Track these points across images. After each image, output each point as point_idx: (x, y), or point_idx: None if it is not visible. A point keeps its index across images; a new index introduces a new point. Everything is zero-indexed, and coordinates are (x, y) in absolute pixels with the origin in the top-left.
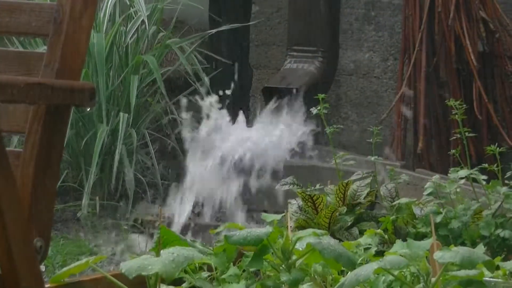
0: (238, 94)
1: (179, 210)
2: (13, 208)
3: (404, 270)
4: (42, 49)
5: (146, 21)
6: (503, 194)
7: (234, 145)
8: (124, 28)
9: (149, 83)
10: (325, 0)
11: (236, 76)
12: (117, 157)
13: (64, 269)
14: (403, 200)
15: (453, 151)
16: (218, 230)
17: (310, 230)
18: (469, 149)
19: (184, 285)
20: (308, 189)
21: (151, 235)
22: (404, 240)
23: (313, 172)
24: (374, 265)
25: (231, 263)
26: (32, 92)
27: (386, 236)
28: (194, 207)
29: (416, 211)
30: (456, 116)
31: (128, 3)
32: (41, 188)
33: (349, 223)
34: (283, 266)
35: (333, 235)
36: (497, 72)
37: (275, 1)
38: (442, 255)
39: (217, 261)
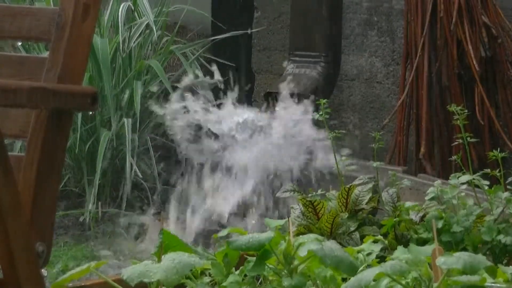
0: (240, 99)
1: (182, 215)
2: (15, 213)
3: (406, 276)
4: (46, 54)
5: (152, 25)
6: (505, 199)
7: (235, 149)
8: (128, 33)
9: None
10: (327, 5)
11: (237, 81)
12: (128, 163)
13: (66, 274)
14: (405, 203)
15: (455, 156)
16: (220, 234)
17: (311, 235)
18: (471, 154)
19: None
20: (310, 195)
21: (153, 240)
22: (406, 245)
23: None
24: (375, 270)
25: (233, 268)
26: (34, 96)
27: (386, 242)
28: (196, 212)
29: (412, 215)
30: (458, 121)
31: (132, 7)
32: (43, 193)
33: (352, 229)
34: (285, 271)
35: (334, 240)
36: (499, 77)
37: (277, 6)
38: (444, 261)
39: (216, 271)
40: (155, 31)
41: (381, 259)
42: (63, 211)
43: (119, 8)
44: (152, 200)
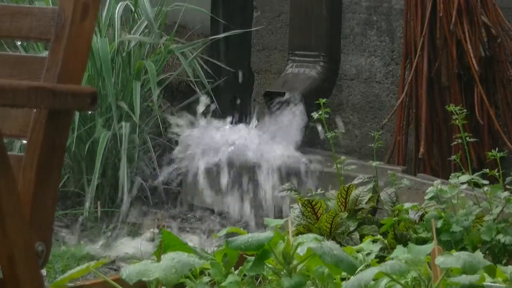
0: (239, 98)
1: (181, 214)
2: (14, 213)
3: (405, 275)
4: (45, 53)
5: (152, 22)
6: (504, 199)
7: (235, 150)
8: (127, 33)
9: (150, 88)
10: (327, 5)
11: (237, 81)
12: (123, 163)
13: (65, 274)
14: (406, 205)
15: (454, 156)
16: (219, 234)
17: (310, 235)
18: (470, 154)
19: None
20: (309, 194)
21: (153, 240)
22: (405, 245)
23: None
24: (375, 269)
25: (232, 268)
26: (34, 96)
27: (385, 242)
28: (195, 211)
29: (411, 215)
30: (457, 121)
31: (133, 8)
32: (43, 193)
33: (351, 228)
34: (284, 271)
35: (334, 240)
36: (498, 77)
37: (276, 6)
38: (444, 260)
39: (215, 271)
40: (155, 28)
41: (381, 258)
42: (63, 210)
43: (117, 7)
44: (152, 199)
